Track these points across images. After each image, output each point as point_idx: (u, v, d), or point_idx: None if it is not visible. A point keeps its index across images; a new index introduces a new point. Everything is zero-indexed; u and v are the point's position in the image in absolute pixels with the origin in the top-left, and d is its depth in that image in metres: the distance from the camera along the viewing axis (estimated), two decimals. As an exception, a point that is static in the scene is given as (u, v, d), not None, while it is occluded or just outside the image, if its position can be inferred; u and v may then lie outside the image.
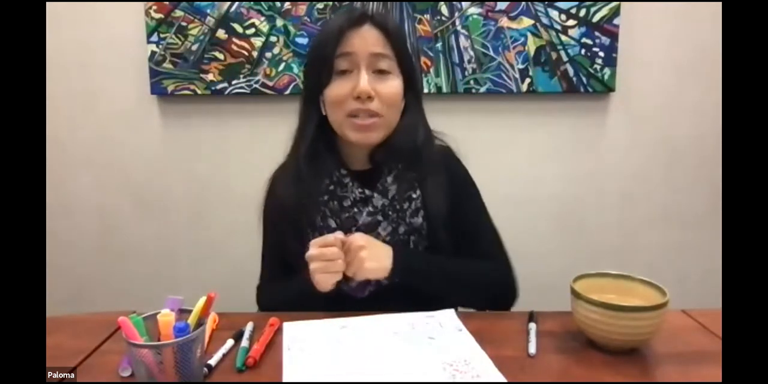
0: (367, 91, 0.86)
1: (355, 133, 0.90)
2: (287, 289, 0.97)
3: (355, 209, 0.94)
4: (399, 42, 0.91)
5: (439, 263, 0.93)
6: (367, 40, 0.87)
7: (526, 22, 1.63)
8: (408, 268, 0.88)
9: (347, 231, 0.91)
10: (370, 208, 0.94)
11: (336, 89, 0.88)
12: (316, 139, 0.94)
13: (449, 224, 0.96)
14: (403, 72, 0.92)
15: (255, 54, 1.64)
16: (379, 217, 0.93)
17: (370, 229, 0.93)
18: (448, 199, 0.96)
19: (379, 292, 0.95)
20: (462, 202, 0.99)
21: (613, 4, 1.62)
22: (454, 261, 0.95)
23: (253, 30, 1.63)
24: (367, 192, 0.95)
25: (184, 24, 1.62)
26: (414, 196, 0.95)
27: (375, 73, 0.89)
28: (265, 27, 1.63)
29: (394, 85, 0.90)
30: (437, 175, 0.96)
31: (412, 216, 0.95)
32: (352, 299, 0.95)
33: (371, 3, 1.61)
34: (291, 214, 0.96)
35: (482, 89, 1.66)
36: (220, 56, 1.64)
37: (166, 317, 0.66)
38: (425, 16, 1.62)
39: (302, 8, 1.61)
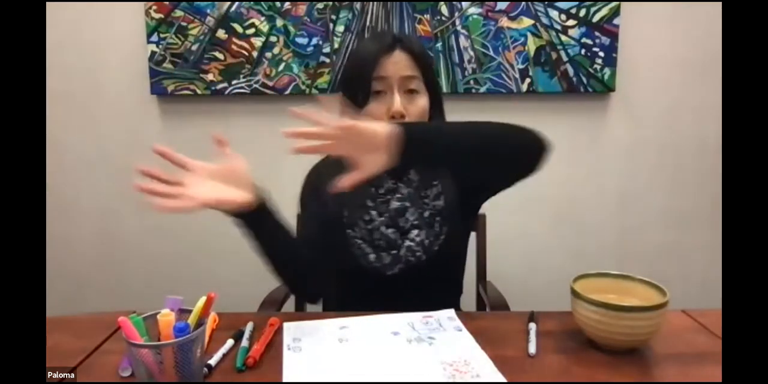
0: (400, 112, 0.96)
1: None
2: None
3: (388, 196, 1.05)
4: (425, 63, 1.01)
5: (441, 124, 1.00)
6: (398, 64, 0.97)
7: (526, 22, 1.63)
8: (411, 132, 0.81)
9: (381, 215, 1.03)
10: (399, 195, 1.05)
11: (372, 110, 0.98)
12: None
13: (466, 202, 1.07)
14: (428, 89, 1.02)
15: (255, 54, 1.64)
16: (407, 204, 1.04)
17: (399, 214, 1.03)
18: (460, 186, 1.07)
19: (408, 270, 1.01)
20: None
21: (613, 4, 1.62)
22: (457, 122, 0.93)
23: (253, 30, 1.63)
24: (398, 183, 1.06)
25: (184, 24, 1.62)
26: (435, 182, 1.07)
27: (406, 93, 0.98)
28: (265, 27, 1.63)
29: (422, 103, 1.00)
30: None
31: (434, 199, 1.05)
32: (381, 275, 1.01)
33: (373, 4, 1.61)
34: (333, 207, 1.05)
35: (482, 89, 1.66)
36: (220, 56, 1.64)
37: (166, 317, 0.66)
38: (425, 16, 1.62)
39: (302, 8, 1.62)
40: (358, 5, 1.61)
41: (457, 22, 1.63)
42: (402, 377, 0.70)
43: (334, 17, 1.62)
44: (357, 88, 0.99)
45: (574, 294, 0.79)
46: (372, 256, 1.01)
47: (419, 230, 1.03)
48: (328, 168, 1.05)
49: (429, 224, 1.04)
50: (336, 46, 1.63)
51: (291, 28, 1.63)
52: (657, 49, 1.70)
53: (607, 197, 1.79)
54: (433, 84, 1.03)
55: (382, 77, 0.97)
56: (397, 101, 0.96)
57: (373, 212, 1.03)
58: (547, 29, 1.64)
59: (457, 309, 1.08)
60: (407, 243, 1.02)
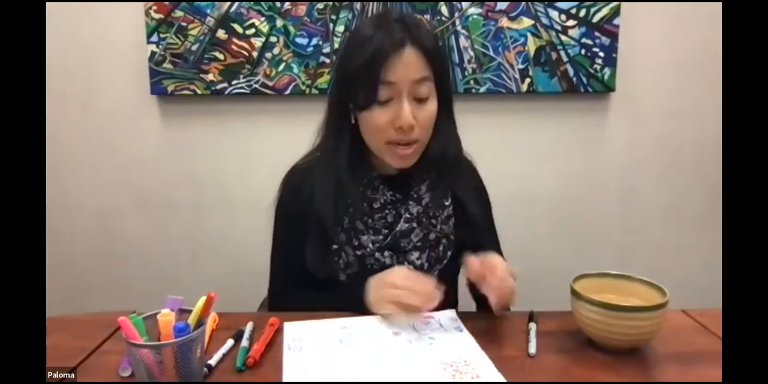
0: (410, 124, 0.85)
1: (394, 160, 0.91)
2: (325, 301, 0.91)
3: (386, 211, 0.95)
4: (438, 60, 0.90)
5: None
6: (408, 65, 0.85)
7: (526, 22, 1.63)
8: None
9: (377, 232, 0.94)
10: (407, 215, 0.94)
11: (376, 117, 0.87)
12: (352, 149, 0.93)
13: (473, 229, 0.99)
14: (438, 91, 0.91)
15: (255, 54, 1.64)
16: (414, 224, 0.94)
17: (404, 236, 0.94)
18: (473, 208, 0.99)
19: None
20: (478, 213, 1.01)
21: (613, 4, 1.62)
22: None
23: (253, 30, 1.63)
24: (398, 195, 0.96)
25: (184, 24, 1.62)
26: (446, 203, 0.97)
27: (415, 101, 0.87)
28: (265, 27, 1.63)
29: (431, 109, 0.89)
30: (466, 184, 1.00)
31: (443, 223, 0.96)
32: None
33: (373, 4, 1.61)
34: (324, 223, 0.93)
35: (482, 89, 1.66)
36: (220, 56, 1.64)
37: (166, 317, 0.66)
38: (425, 16, 1.62)
39: (302, 8, 1.61)
40: (358, 5, 1.61)
41: (457, 22, 1.63)
42: (402, 377, 0.70)
43: (334, 17, 1.62)
44: (359, 92, 0.86)
45: (574, 294, 0.79)
46: (359, 290, 0.89)
47: (420, 253, 0.95)
48: (311, 174, 0.95)
49: (432, 247, 0.96)
50: (336, 46, 1.63)
51: (291, 29, 1.62)
52: (657, 49, 1.70)
53: (607, 197, 1.78)
54: (446, 85, 0.92)
55: (390, 82, 0.84)
56: (407, 111, 0.84)
57: (364, 237, 0.93)
58: (547, 29, 1.64)
59: None
60: (405, 266, 0.93)
